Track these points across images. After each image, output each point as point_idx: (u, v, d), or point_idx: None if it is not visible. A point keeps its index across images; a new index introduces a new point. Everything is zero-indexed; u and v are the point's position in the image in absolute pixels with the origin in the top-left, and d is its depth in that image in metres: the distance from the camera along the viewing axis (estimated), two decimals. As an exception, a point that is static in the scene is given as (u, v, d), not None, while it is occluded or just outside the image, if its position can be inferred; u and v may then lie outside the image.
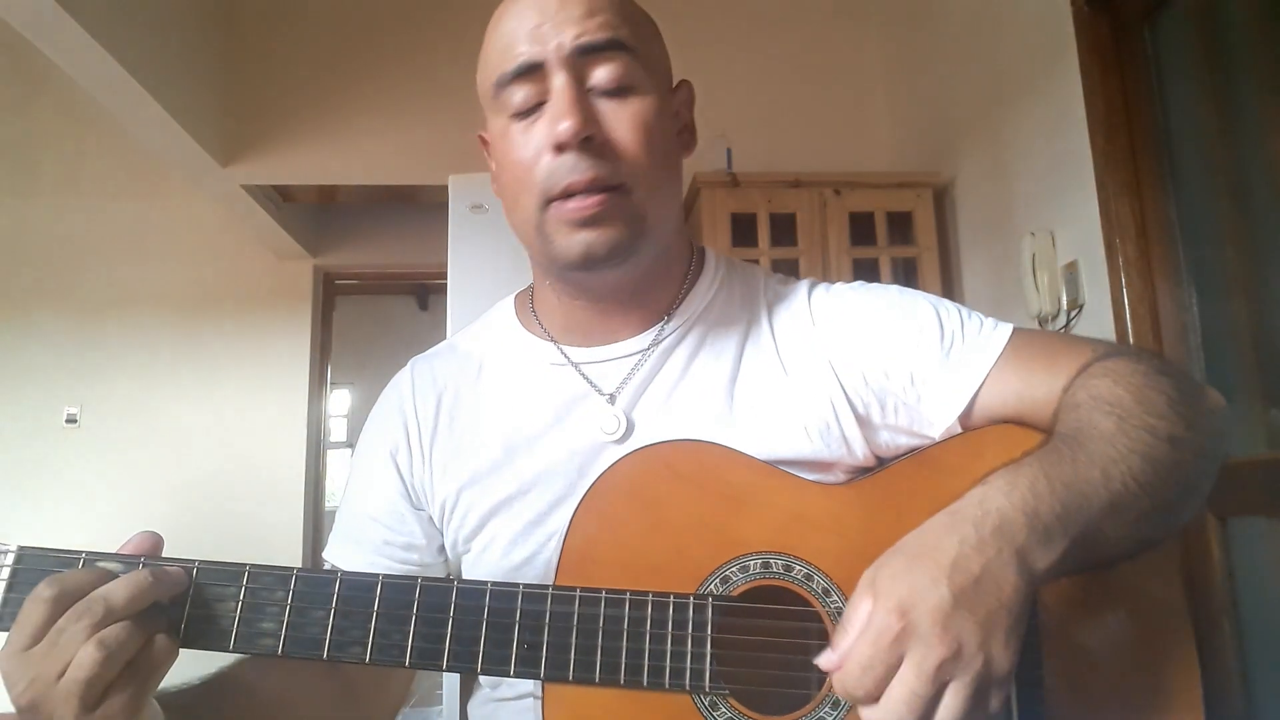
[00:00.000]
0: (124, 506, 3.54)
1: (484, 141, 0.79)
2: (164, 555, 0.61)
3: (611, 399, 0.75)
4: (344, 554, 0.80)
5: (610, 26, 0.67)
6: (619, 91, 0.67)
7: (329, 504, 4.27)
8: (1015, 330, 0.73)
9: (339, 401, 6.97)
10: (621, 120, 0.67)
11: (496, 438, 0.77)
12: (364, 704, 0.77)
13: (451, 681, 3.06)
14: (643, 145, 0.67)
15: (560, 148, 0.66)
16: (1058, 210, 2.08)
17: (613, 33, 0.67)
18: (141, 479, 3.63)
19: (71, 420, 3.68)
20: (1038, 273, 2.08)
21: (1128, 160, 1.85)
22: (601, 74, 0.67)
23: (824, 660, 0.53)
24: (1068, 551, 0.55)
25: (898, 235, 2.65)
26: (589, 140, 0.66)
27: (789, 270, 2.58)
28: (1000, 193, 2.38)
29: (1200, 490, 0.63)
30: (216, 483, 3.63)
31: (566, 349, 0.78)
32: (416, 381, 0.83)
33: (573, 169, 0.66)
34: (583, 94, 0.67)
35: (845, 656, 0.52)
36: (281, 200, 3.55)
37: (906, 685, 0.50)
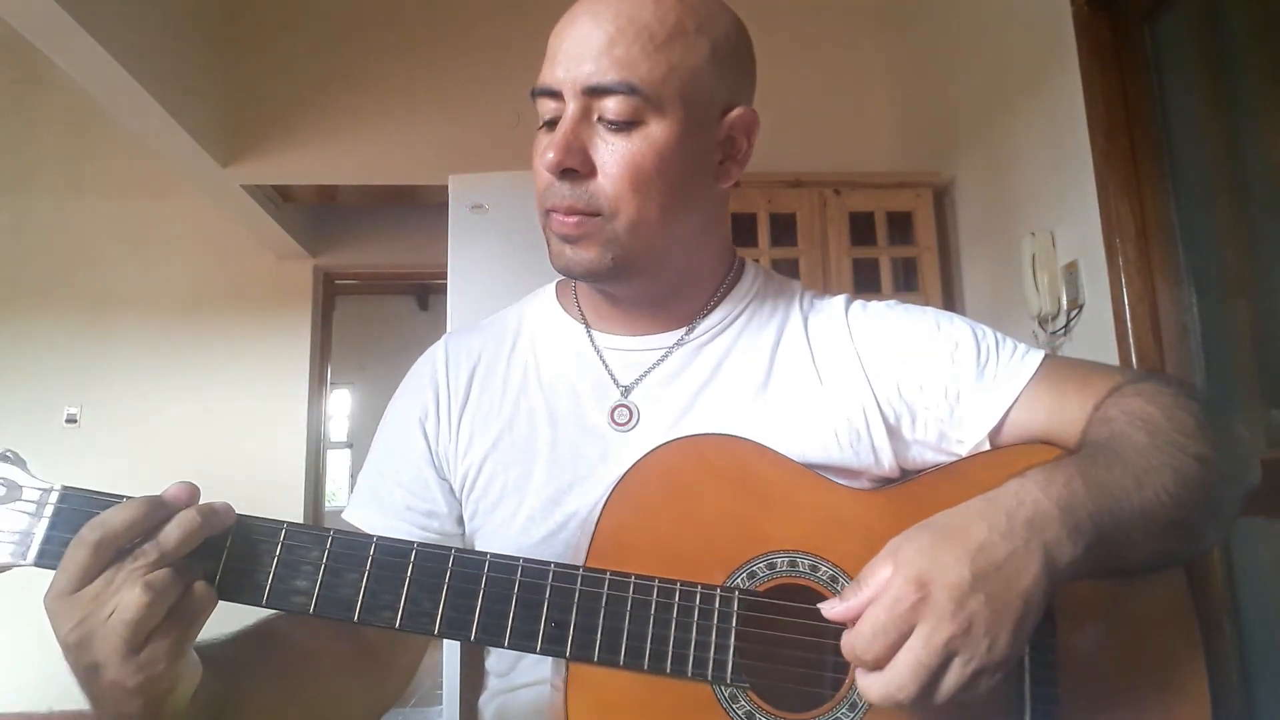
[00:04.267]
0: (124, 506, 3.55)
1: None
2: None
3: (626, 391, 0.78)
4: (366, 515, 0.81)
5: (623, 66, 0.69)
6: (621, 126, 0.70)
7: (329, 504, 4.27)
8: (1047, 355, 0.76)
9: (339, 401, 6.98)
10: (615, 154, 0.70)
11: (522, 412, 0.79)
12: (381, 666, 0.78)
13: (451, 683, 3.05)
14: (628, 179, 0.70)
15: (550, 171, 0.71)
16: (1058, 210, 2.08)
17: (622, 74, 0.69)
18: (141, 479, 3.61)
19: (71, 420, 3.68)
20: (1038, 273, 2.08)
21: (1128, 160, 1.85)
22: (608, 108, 0.70)
23: (829, 606, 0.55)
24: (1094, 551, 0.57)
25: (898, 235, 2.65)
26: (569, 172, 0.70)
27: (789, 270, 2.59)
28: (1000, 193, 2.38)
29: (1224, 515, 0.65)
30: (216, 482, 3.58)
31: (595, 334, 0.81)
32: (451, 352, 0.85)
33: (555, 193, 0.72)
34: (580, 127, 0.70)
35: (857, 615, 0.54)
36: (281, 200, 3.56)
37: (914, 654, 0.52)
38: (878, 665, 0.53)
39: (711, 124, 0.74)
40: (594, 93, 0.69)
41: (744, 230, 2.57)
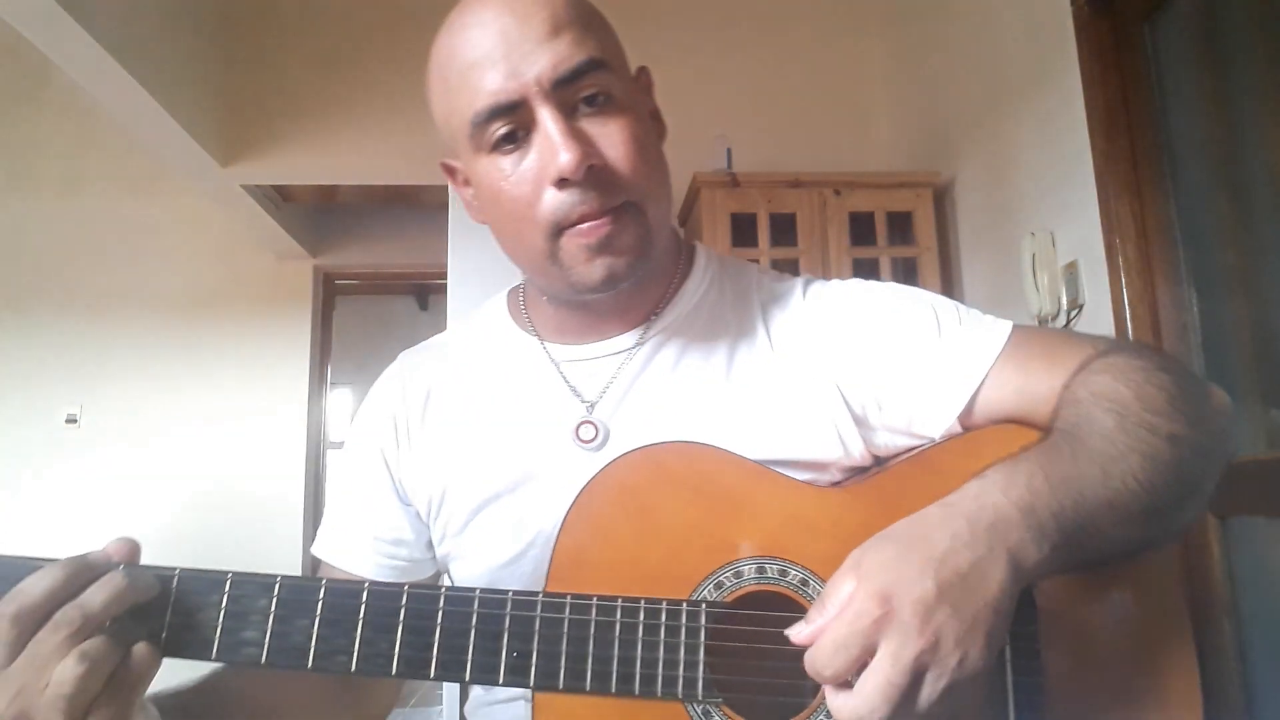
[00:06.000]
0: (124, 506, 3.54)
1: (450, 170, 0.79)
2: (150, 563, 0.60)
3: (591, 407, 0.75)
4: (332, 549, 0.81)
5: (580, 43, 0.65)
6: (603, 109, 0.66)
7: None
8: (1015, 327, 0.72)
9: (339, 401, 6.97)
10: (612, 138, 0.66)
11: (480, 434, 0.77)
12: (360, 690, 0.78)
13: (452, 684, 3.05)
14: (638, 158, 0.67)
15: (563, 182, 0.65)
16: (1058, 210, 2.08)
17: (586, 52, 0.65)
18: (141, 479, 3.62)
19: (71, 420, 3.68)
20: (1038, 273, 2.08)
21: (1128, 160, 1.85)
22: (584, 90, 0.66)
23: (795, 632, 0.53)
24: (1062, 549, 0.55)
25: (898, 235, 2.65)
26: (590, 169, 0.65)
27: (789, 270, 2.58)
28: (1000, 193, 2.38)
29: (1202, 490, 0.63)
30: (216, 483, 3.63)
31: (550, 347, 0.78)
32: (406, 377, 0.83)
33: (582, 200, 0.65)
34: (572, 122, 0.65)
35: (820, 632, 0.51)
36: (281, 200, 3.56)
37: (883, 674, 0.49)
38: (838, 680, 0.51)
39: (637, 88, 0.73)
40: (564, 83, 0.65)
41: (744, 230, 2.57)
